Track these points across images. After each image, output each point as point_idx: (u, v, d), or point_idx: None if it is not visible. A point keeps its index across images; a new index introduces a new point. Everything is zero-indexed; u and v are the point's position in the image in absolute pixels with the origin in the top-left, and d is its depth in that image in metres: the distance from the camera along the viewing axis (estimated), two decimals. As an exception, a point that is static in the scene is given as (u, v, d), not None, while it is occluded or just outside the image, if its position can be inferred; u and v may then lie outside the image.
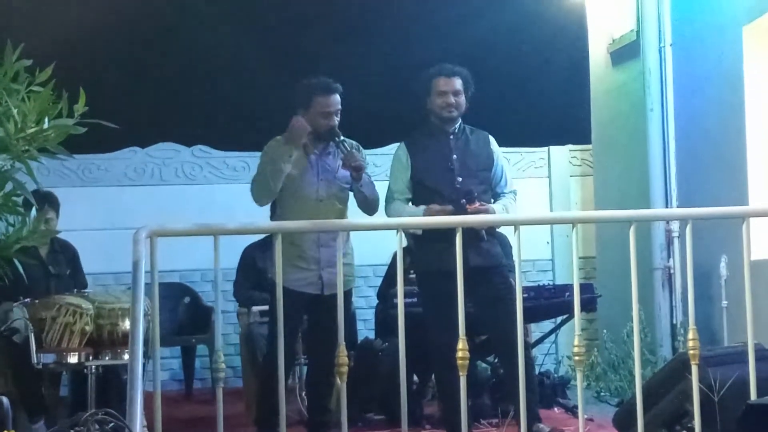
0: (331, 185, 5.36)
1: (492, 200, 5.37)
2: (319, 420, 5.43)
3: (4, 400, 3.37)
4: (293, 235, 5.16)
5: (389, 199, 5.43)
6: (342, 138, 5.26)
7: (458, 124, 5.42)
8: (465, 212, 5.07)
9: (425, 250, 5.23)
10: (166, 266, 6.70)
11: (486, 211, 5.15)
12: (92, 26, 7.51)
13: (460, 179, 5.28)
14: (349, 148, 5.24)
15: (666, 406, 4.50)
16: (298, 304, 5.23)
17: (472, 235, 5.03)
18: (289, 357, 5.52)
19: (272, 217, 5.65)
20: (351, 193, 5.43)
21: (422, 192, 5.35)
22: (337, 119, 5.30)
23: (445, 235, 4.74)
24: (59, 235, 6.03)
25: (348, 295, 5.38)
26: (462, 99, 5.37)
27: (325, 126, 5.27)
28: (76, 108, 3.07)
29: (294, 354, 5.82)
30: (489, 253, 5.22)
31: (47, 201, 5.85)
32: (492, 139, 5.48)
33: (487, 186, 5.39)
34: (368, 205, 5.40)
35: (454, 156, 5.33)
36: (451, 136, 5.38)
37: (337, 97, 5.31)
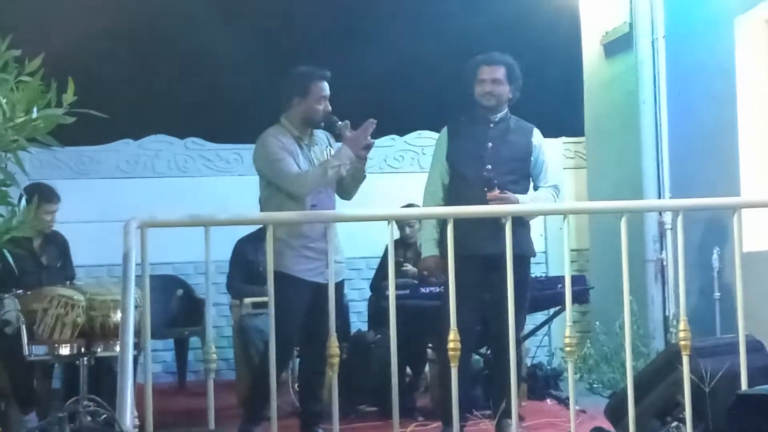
0: None
1: (524, 189, 5.39)
2: (311, 411, 5.43)
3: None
4: (302, 226, 5.17)
5: (424, 190, 5.49)
6: (341, 122, 5.30)
7: (502, 113, 5.40)
8: (488, 200, 5.09)
9: (445, 236, 5.21)
10: (159, 259, 6.72)
11: (507, 200, 5.15)
12: (84, 18, 7.50)
13: (489, 167, 5.29)
14: (351, 129, 5.27)
15: (657, 397, 4.51)
16: (307, 293, 5.24)
17: (492, 222, 5.01)
18: (292, 346, 5.55)
19: (262, 209, 5.64)
20: None
21: (454, 176, 5.39)
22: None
23: (467, 221, 4.87)
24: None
25: (340, 286, 5.39)
26: (503, 88, 5.35)
27: (322, 112, 5.31)
28: (65, 98, 3.06)
29: (296, 343, 5.84)
30: (514, 242, 5.07)
31: (53, 195, 5.90)
32: (536, 132, 5.44)
33: (518, 176, 5.37)
34: (353, 187, 5.42)
35: (489, 144, 5.34)
36: (491, 125, 5.38)
37: (327, 83, 5.35)
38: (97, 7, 7.57)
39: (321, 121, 5.34)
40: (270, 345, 4.08)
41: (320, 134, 5.48)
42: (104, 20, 8.03)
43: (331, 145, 5.47)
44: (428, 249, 5.38)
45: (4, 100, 3.01)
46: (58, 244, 6.11)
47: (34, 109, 3.04)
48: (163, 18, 8.82)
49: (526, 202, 5.24)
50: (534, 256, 5.50)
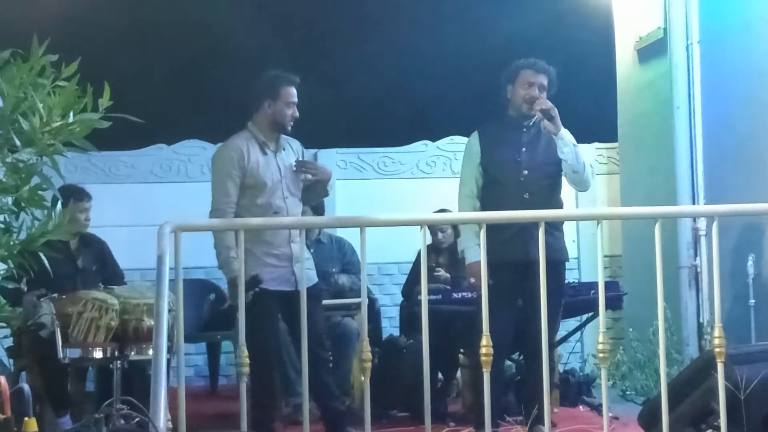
0: (293, 181, 5.38)
1: (558, 194, 5.46)
2: (334, 414, 5.38)
3: (26, 388, 3.38)
4: (263, 232, 5.14)
5: (459, 194, 5.47)
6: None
7: (534, 117, 5.40)
8: (527, 206, 5.08)
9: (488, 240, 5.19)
10: (191, 263, 6.75)
11: (554, 110, 5.22)
12: (120, 24, 7.55)
13: (525, 172, 5.29)
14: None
15: (691, 405, 4.46)
16: (274, 303, 5.18)
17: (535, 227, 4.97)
18: (280, 354, 5.52)
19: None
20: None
21: (488, 182, 5.39)
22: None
23: (507, 226, 4.90)
24: (89, 230, 6.11)
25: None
26: (544, 96, 5.36)
27: (289, 116, 5.31)
28: (100, 102, 3.08)
29: (282, 355, 5.83)
30: (551, 248, 4.78)
31: (83, 193, 5.98)
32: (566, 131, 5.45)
33: (553, 181, 5.39)
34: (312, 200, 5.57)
35: (524, 149, 5.35)
36: (524, 129, 5.39)
37: (295, 89, 5.34)
38: (133, 12, 7.62)
39: (288, 125, 5.33)
40: (303, 353, 4.09)
41: (291, 142, 5.47)
42: (139, 26, 8.09)
43: (302, 156, 5.49)
44: (473, 255, 5.22)
45: (41, 105, 3.04)
46: (94, 248, 6.15)
47: (71, 114, 3.07)
48: (198, 24, 8.87)
49: (569, 140, 5.28)
50: (567, 261, 5.48)
